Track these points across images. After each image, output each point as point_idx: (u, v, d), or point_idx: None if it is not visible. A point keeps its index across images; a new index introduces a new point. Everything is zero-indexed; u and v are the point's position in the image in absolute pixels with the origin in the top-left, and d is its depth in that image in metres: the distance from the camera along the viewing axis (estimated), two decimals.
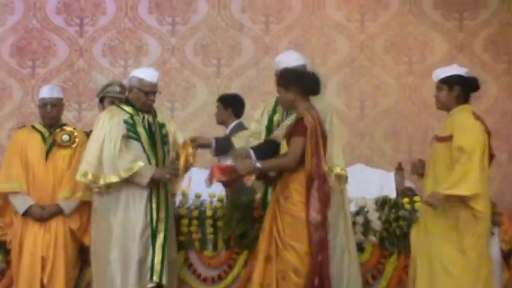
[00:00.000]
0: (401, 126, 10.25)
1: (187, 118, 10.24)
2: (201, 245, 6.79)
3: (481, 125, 5.90)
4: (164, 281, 6.25)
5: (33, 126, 6.91)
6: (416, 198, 6.85)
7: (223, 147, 6.49)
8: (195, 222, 6.80)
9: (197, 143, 6.48)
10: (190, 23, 10.48)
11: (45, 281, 6.47)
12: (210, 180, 5.86)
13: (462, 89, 6.01)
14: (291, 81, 5.89)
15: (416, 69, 10.35)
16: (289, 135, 5.83)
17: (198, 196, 6.91)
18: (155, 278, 6.22)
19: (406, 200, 6.85)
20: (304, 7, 10.45)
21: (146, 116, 6.45)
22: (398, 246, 6.62)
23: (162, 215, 6.34)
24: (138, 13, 10.51)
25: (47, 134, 6.76)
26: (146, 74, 6.48)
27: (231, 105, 8.03)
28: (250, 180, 6.07)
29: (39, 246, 6.52)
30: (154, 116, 6.53)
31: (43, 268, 6.49)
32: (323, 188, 5.69)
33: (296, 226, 5.66)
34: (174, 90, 10.21)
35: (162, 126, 6.53)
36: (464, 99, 6.03)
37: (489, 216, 5.93)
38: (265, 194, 6.37)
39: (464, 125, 5.87)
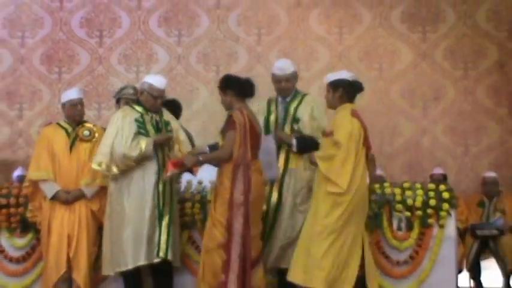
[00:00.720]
0: (373, 123, 10.01)
1: (191, 116, 10.16)
2: (203, 225, 6.74)
3: (357, 122, 5.94)
4: (170, 257, 6.23)
5: (58, 124, 6.87)
6: (385, 184, 6.84)
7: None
8: (197, 205, 6.75)
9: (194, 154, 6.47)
10: (193, 35, 10.46)
11: (71, 255, 6.45)
12: (165, 173, 6.15)
13: (345, 90, 6.05)
14: (227, 85, 6.15)
15: (385, 75, 10.33)
16: (223, 131, 6.06)
17: (200, 182, 6.88)
18: (161, 254, 6.21)
19: (377, 185, 6.81)
20: (290, 22, 10.43)
21: (154, 115, 6.44)
22: (370, 225, 6.54)
23: (168, 199, 6.32)
24: (149, 27, 10.48)
25: (70, 130, 6.72)
26: (156, 80, 6.48)
27: (171, 109, 8.12)
28: (196, 170, 6.31)
29: (65, 226, 6.49)
30: (161, 115, 6.52)
31: (69, 244, 6.46)
32: (248, 174, 5.88)
33: (226, 206, 5.90)
34: (180, 92, 10.13)
35: (167, 124, 6.51)
36: (348, 99, 6.07)
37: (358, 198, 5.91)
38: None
39: (341, 122, 5.93)
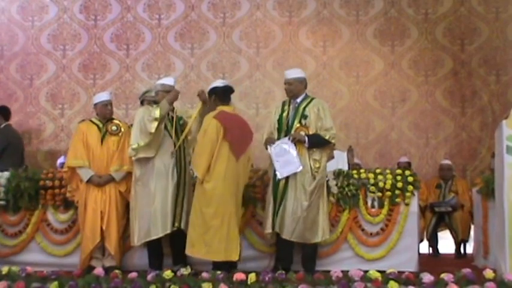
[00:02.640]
0: (351, 120, 10.19)
1: None
2: None
3: (217, 122, 6.06)
4: (183, 226, 6.27)
5: (91, 120, 6.87)
6: (361, 170, 6.80)
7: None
8: None
9: None
10: (204, 47, 10.36)
11: (104, 228, 6.44)
12: None
13: (217, 96, 6.24)
14: None
15: (361, 80, 10.27)
16: None
17: None
18: (176, 224, 6.27)
19: (354, 171, 6.77)
20: (283, 37, 10.33)
21: (170, 111, 6.46)
22: (349, 203, 6.57)
23: (183, 179, 6.35)
24: (167, 41, 10.39)
25: (101, 125, 6.71)
26: (165, 80, 6.66)
27: (2, 113, 8.45)
28: None
29: (98, 204, 6.48)
30: (174, 112, 6.54)
31: (102, 219, 6.45)
32: None
33: None
34: (193, 95, 9.94)
35: (180, 118, 6.55)
36: (221, 102, 6.25)
37: (216, 182, 6.02)
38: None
39: (203, 123, 6.13)
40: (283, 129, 6.30)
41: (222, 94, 6.28)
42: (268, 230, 6.21)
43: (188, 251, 6.10)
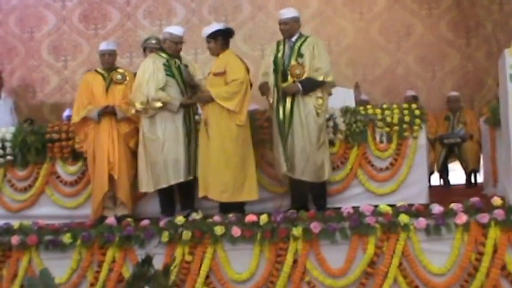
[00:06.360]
0: (357, 57, 10.09)
1: (206, 59, 9.81)
2: None
3: (242, 63, 6.13)
4: (196, 174, 6.20)
5: (96, 70, 6.75)
6: (368, 106, 6.71)
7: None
8: None
9: None
10: None
11: (116, 177, 6.36)
12: None
13: (223, 38, 6.15)
14: None
15: (365, 17, 10.14)
16: None
17: None
18: (193, 173, 6.23)
19: (361, 108, 6.67)
20: None
21: (176, 60, 6.37)
22: (358, 140, 6.49)
23: (193, 128, 6.29)
24: None
25: (106, 75, 6.60)
26: (174, 29, 6.46)
27: None
28: None
29: (106, 153, 6.39)
30: (181, 60, 6.43)
31: (112, 168, 6.35)
32: None
33: None
34: (196, 40, 9.84)
35: (186, 67, 6.43)
36: (227, 45, 6.17)
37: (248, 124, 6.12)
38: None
39: (234, 63, 6.09)
40: (280, 69, 6.14)
41: (228, 35, 6.24)
42: (284, 169, 6.07)
43: (222, 197, 6.00)
